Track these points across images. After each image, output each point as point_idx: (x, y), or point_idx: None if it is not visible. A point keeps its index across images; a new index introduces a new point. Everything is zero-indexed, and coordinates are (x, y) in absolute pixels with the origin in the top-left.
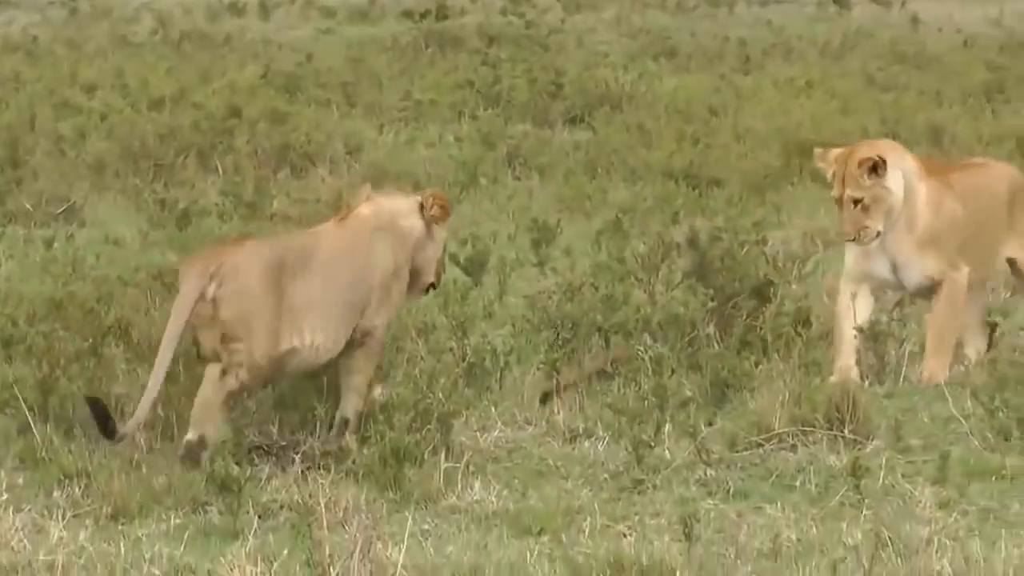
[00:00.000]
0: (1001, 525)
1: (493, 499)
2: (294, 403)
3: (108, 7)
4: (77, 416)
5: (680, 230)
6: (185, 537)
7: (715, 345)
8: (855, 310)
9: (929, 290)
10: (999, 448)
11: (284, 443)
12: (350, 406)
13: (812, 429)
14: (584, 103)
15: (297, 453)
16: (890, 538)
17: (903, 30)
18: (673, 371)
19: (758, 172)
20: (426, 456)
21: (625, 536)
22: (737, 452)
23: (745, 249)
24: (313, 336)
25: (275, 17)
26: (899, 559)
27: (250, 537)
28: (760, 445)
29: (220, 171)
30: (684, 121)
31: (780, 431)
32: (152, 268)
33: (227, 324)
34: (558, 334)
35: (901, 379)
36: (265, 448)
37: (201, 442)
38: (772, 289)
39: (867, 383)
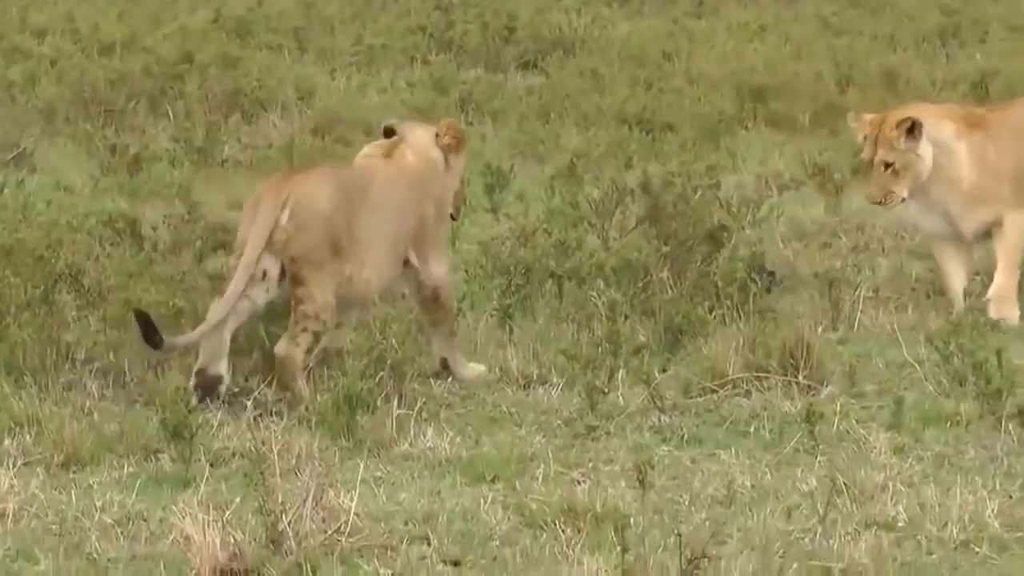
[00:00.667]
0: (956, 471)
1: (446, 446)
2: (247, 350)
3: None
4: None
5: (633, 175)
6: (137, 485)
7: (669, 291)
8: (949, 258)
9: (988, 234)
10: (954, 394)
11: (236, 390)
12: (444, 347)
13: (766, 375)
14: (537, 48)
15: (249, 400)
16: (845, 484)
17: None
18: (626, 317)
19: (712, 117)
20: (379, 403)
21: (578, 483)
22: (691, 398)
23: (699, 194)
24: (368, 269)
25: None
26: (854, 505)
27: (202, 485)
28: (714, 391)
29: (171, 116)
30: (637, 66)
31: (734, 377)
32: (103, 214)
33: (294, 260)
34: (511, 280)
35: (856, 325)
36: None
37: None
38: (726, 234)
39: (820, 329)
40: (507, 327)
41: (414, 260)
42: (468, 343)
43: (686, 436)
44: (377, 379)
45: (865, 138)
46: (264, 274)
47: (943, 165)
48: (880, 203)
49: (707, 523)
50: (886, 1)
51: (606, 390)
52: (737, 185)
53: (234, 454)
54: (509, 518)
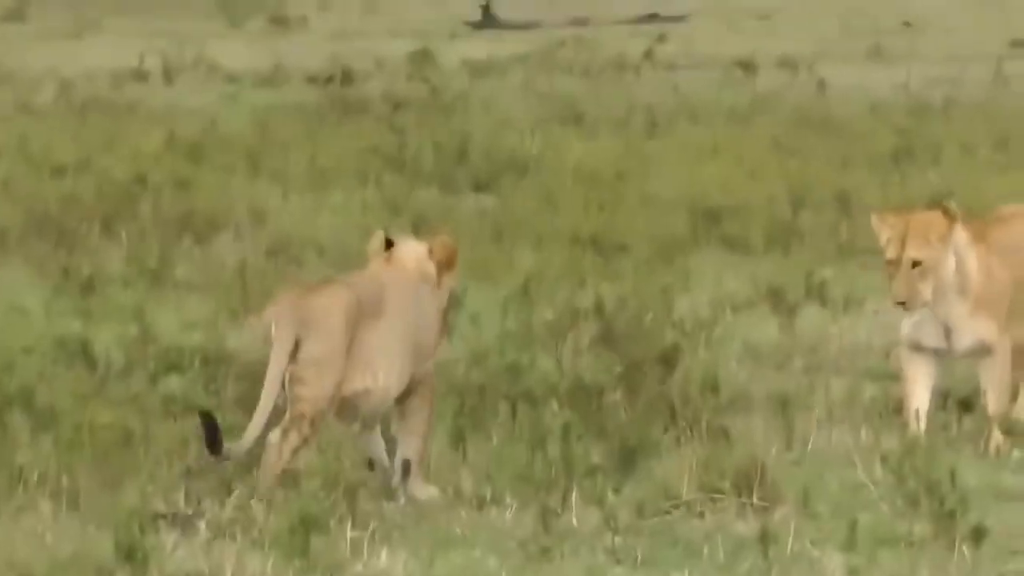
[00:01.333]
0: None
1: (400, 568)
2: (200, 473)
3: (10, 72)
4: None
5: (587, 296)
6: None
7: (622, 412)
8: (921, 376)
9: (975, 354)
10: (908, 514)
11: (191, 512)
12: (411, 449)
13: (720, 496)
14: (490, 169)
15: (202, 521)
16: None
17: (809, 95)
18: (580, 438)
19: (665, 237)
20: (333, 525)
21: None
22: (644, 519)
23: (651, 315)
24: (387, 378)
25: (179, 83)
26: None
27: None
28: (668, 512)
29: (124, 238)
30: (591, 186)
31: (688, 498)
32: (56, 336)
33: (300, 364)
34: (464, 401)
35: (810, 445)
36: (171, 517)
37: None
38: (679, 355)
39: (774, 450)
40: (460, 448)
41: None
42: (421, 464)
43: (640, 557)
44: (331, 500)
45: (889, 239)
46: None
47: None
48: (904, 304)
49: None
50: (839, 122)
51: (560, 511)
52: (691, 306)
53: (188, 575)
54: None
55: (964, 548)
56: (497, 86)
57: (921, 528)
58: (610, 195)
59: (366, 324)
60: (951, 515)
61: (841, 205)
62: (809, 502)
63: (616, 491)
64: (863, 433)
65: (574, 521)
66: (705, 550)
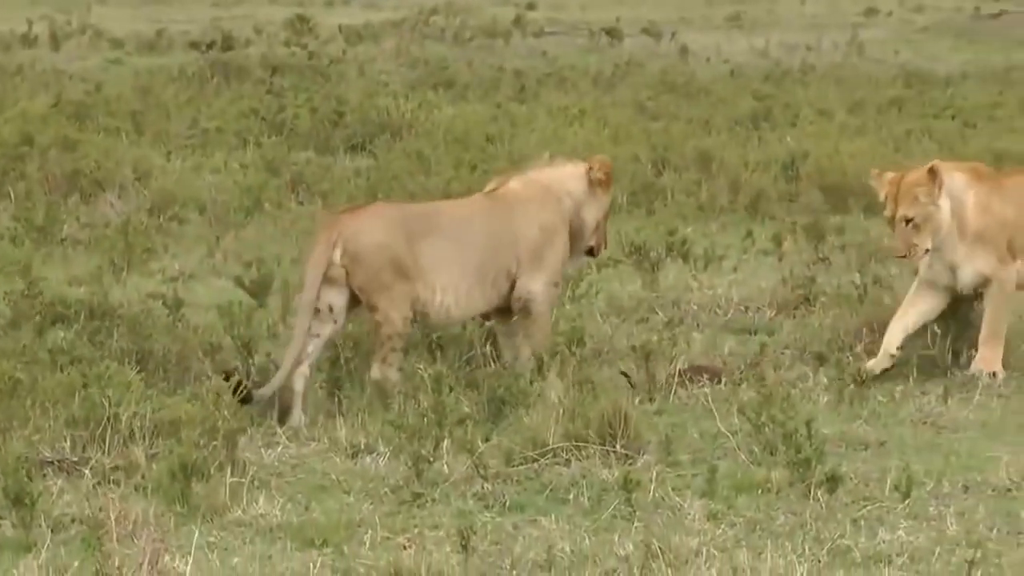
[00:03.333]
0: (767, 536)
1: (277, 512)
2: (85, 420)
3: None
4: None
5: None
6: None
7: (492, 364)
8: (920, 303)
9: (979, 287)
10: (765, 462)
11: (75, 459)
12: (525, 357)
13: (585, 444)
14: (365, 131)
15: (87, 468)
16: (660, 549)
17: (673, 61)
18: (451, 389)
19: None
20: (213, 471)
21: (405, 548)
22: (513, 467)
23: None
24: (443, 295)
25: (66, 48)
26: (669, 569)
27: (42, 550)
28: (535, 460)
29: (12, 197)
30: (462, 148)
31: (554, 446)
32: None
33: (362, 290)
34: (339, 352)
35: (671, 396)
36: (57, 463)
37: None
38: None
39: (637, 400)
40: (336, 398)
41: (516, 277)
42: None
43: (508, 503)
44: (211, 448)
45: (887, 196)
46: (330, 308)
47: (955, 215)
48: (904, 257)
49: None
50: (700, 86)
51: (431, 459)
52: None
53: (73, 520)
54: None
55: (819, 494)
56: (372, 51)
57: (778, 475)
58: (480, 156)
59: (417, 243)
60: (807, 463)
61: (702, 166)
62: (671, 450)
63: (486, 440)
64: (722, 384)
65: (445, 468)
66: (571, 496)
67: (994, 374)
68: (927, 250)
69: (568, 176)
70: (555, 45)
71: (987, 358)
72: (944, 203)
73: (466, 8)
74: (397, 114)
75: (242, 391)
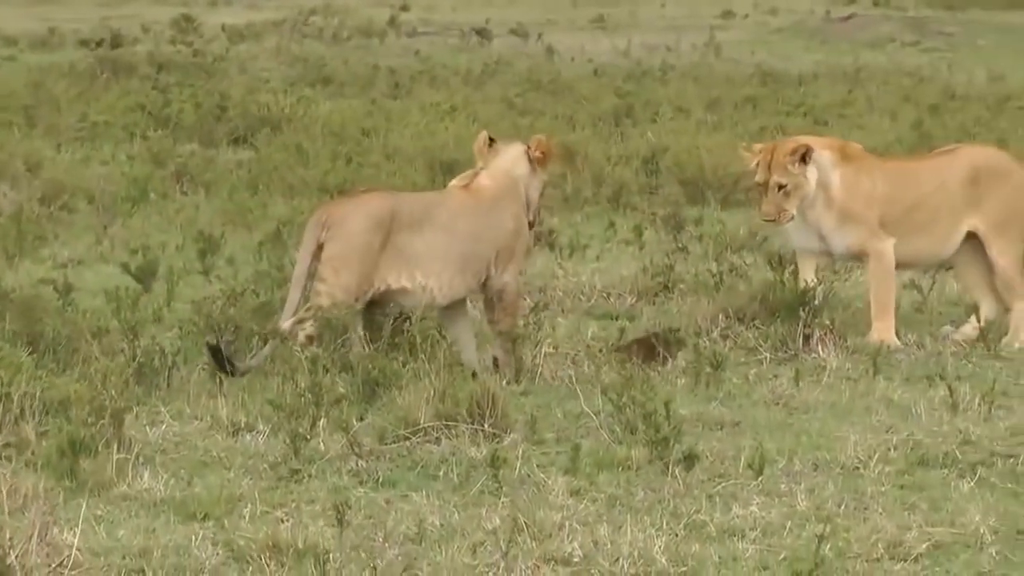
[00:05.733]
0: (627, 511)
1: (161, 487)
2: None
3: None
4: None
5: None
6: None
7: (366, 347)
8: (808, 267)
9: (856, 257)
10: (626, 441)
11: None
12: (498, 349)
13: (455, 423)
14: (247, 125)
15: None
16: (525, 523)
17: (539, 60)
18: (327, 370)
19: (405, 188)
20: (100, 448)
21: (282, 521)
22: (386, 445)
23: None
24: (426, 280)
25: None
26: (534, 542)
27: None
28: (407, 438)
29: None
30: (338, 142)
31: (426, 425)
32: None
33: (321, 263)
34: (221, 336)
35: (537, 378)
36: None
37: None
38: None
39: (505, 382)
40: (217, 379)
41: (492, 269)
42: (182, 393)
43: (381, 479)
44: (98, 426)
45: (758, 164)
46: None
47: (822, 187)
48: (774, 220)
49: (400, 558)
50: (565, 84)
51: (308, 437)
52: None
53: None
54: (219, 553)
55: (677, 471)
56: (254, 49)
57: (638, 453)
58: (356, 149)
59: (403, 231)
60: (665, 442)
61: (567, 159)
62: (536, 429)
63: (360, 419)
64: (586, 367)
65: (321, 446)
66: (441, 472)
67: (888, 345)
68: (792, 216)
69: (515, 159)
70: (428, 44)
71: (880, 329)
72: (811, 173)
73: (343, 9)
74: (277, 109)
75: (225, 363)
